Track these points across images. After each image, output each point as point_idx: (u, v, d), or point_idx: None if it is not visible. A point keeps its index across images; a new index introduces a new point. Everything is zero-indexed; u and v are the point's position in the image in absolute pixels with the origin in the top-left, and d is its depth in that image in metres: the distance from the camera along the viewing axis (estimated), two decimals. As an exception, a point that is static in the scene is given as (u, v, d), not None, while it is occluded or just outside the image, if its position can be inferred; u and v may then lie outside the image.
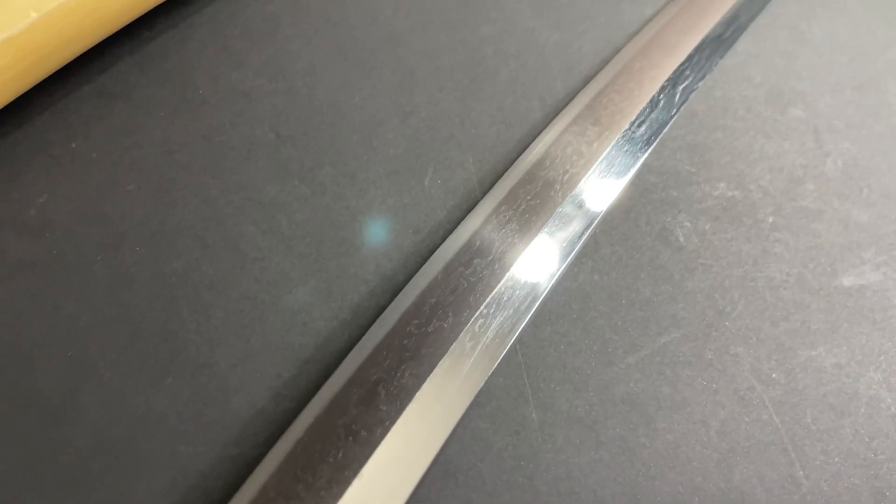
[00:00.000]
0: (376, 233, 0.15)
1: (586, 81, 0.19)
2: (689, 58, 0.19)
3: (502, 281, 0.13)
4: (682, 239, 0.17)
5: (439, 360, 0.12)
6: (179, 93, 0.15)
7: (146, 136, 0.15)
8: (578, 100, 0.17)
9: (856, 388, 0.15)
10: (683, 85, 0.18)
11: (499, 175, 0.16)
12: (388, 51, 0.18)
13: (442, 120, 0.17)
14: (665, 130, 0.18)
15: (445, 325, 0.12)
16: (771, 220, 0.17)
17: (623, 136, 0.17)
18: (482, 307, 0.13)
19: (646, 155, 0.17)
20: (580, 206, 0.15)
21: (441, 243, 0.15)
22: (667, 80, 0.18)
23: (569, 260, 0.15)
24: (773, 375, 0.15)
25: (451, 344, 0.12)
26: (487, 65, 0.18)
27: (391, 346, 0.12)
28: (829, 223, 0.18)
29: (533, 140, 0.17)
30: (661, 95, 0.18)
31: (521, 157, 0.16)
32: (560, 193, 0.15)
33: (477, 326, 0.13)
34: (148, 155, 0.15)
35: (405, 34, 0.18)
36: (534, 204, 0.15)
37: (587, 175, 0.16)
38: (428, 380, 0.12)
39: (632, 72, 0.18)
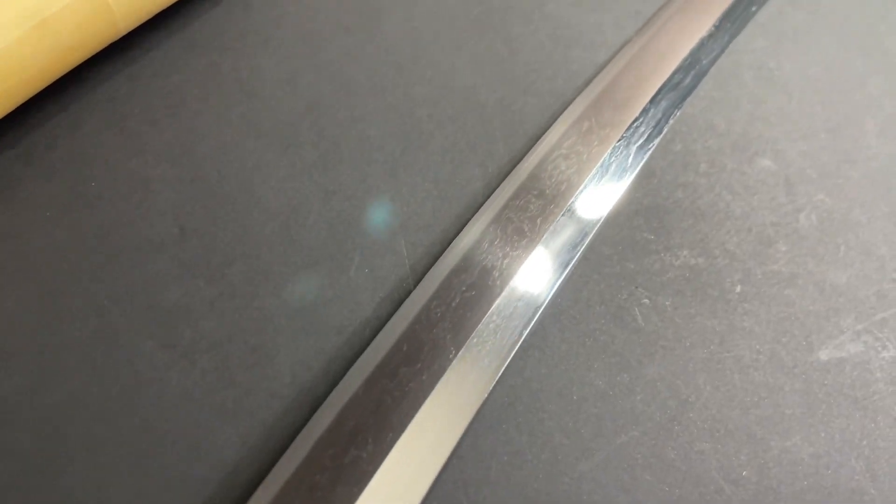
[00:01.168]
0: (293, 336, 0.15)
1: (532, 143, 0.19)
2: (644, 111, 0.19)
3: (432, 395, 0.13)
4: (640, 319, 0.17)
5: (356, 500, 0.12)
6: (69, 186, 0.16)
7: (28, 241, 0.15)
8: (522, 166, 0.18)
9: (836, 480, 0.15)
10: (638, 144, 0.19)
11: (434, 258, 0.17)
12: (308, 122, 0.18)
13: (370, 198, 0.17)
14: (619, 196, 0.18)
15: (364, 455, 0.12)
16: (739, 289, 0.18)
17: (570, 209, 0.17)
18: (410, 427, 0.13)
19: (597, 227, 0.17)
20: (523, 293, 0.16)
21: (368, 344, 0.15)
22: (619, 140, 0.19)
23: (513, 353, 0.15)
24: (744, 473, 0.15)
25: (370, 480, 0.12)
26: (422, 130, 0.19)
27: (301, 484, 0.12)
28: (804, 288, 0.18)
29: (472, 215, 0.17)
30: (613, 158, 0.18)
31: (458, 237, 0.17)
32: (499, 282, 0.15)
33: (402, 454, 0.13)
34: (30, 264, 0.15)
35: (328, 102, 0.19)
36: (469, 296, 0.15)
37: (530, 257, 0.16)
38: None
39: (580, 132, 0.19)
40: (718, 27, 0.22)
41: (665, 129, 0.20)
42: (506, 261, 0.16)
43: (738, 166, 0.20)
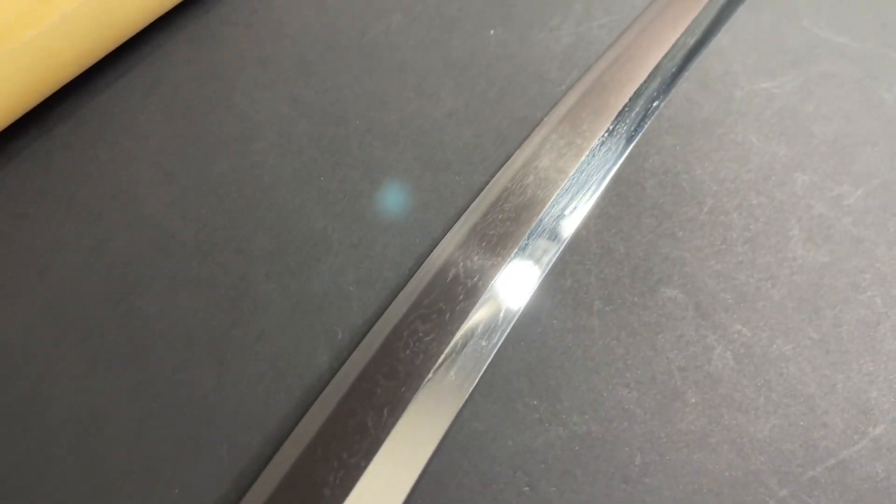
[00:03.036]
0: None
1: (390, 299, 0.20)
2: (521, 249, 0.20)
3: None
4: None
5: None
6: None
7: None
8: (368, 342, 0.19)
9: None
10: (522, 283, 0.20)
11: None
12: (117, 298, 0.19)
13: (189, 394, 0.18)
14: (494, 353, 0.19)
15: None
16: (639, 459, 0.18)
17: (426, 387, 0.18)
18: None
19: (462, 405, 0.18)
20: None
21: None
22: (467, 330, 0.19)
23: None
24: None
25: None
26: (257, 296, 0.19)
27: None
28: (717, 450, 0.19)
29: (315, 399, 0.18)
30: (468, 346, 0.19)
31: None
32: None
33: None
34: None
35: (143, 271, 0.19)
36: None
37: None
38: None
39: (443, 287, 0.19)
40: (613, 130, 0.24)
41: (550, 265, 0.21)
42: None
43: (640, 299, 0.21)
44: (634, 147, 0.24)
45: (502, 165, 0.23)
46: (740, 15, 0.29)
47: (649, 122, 0.25)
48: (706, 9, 0.29)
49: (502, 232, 0.20)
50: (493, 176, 0.23)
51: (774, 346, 0.21)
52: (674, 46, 0.27)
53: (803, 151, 0.25)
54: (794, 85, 0.27)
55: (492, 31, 0.27)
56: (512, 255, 0.20)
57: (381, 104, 0.24)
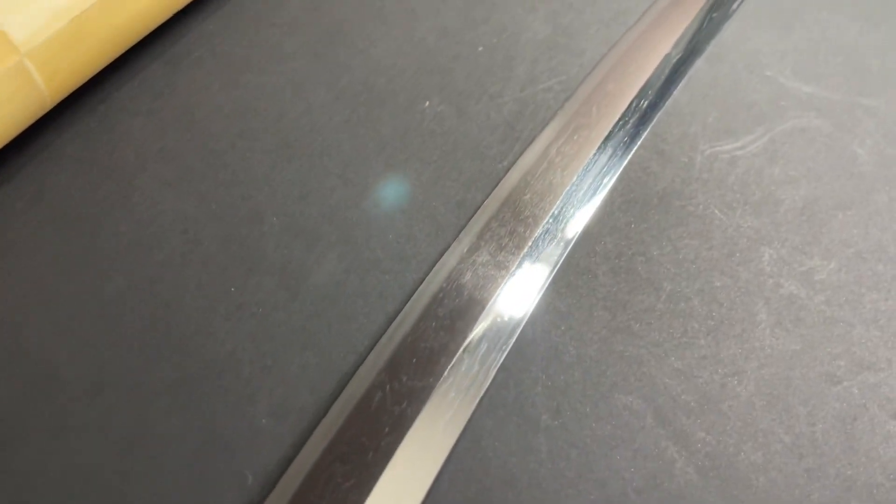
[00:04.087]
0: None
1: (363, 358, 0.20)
2: (447, 375, 0.20)
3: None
4: None
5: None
6: None
7: None
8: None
9: None
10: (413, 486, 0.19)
11: None
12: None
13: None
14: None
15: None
16: None
17: None
18: None
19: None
20: None
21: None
22: (394, 471, 0.18)
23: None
24: None
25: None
26: (157, 437, 0.19)
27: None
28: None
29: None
30: (395, 490, 0.18)
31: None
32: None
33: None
34: None
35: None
36: None
37: None
38: None
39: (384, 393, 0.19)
40: (559, 215, 0.24)
41: (491, 378, 0.21)
42: None
43: (593, 409, 0.21)
44: (584, 229, 0.24)
45: (437, 261, 0.23)
46: (698, 67, 0.30)
47: (601, 201, 0.25)
48: (661, 64, 0.29)
49: (435, 345, 0.21)
50: (427, 273, 0.23)
51: (742, 454, 0.21)
52: (627, 111, 0.27)
53: (770, 221, 0.26)
54: (759, 145, 0.28)
55: (427, 104, 0.27)
56: (446, 373, 0.20)
57: (300, 196, 0.24)
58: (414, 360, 0.20)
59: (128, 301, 0.21)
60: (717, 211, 0.26)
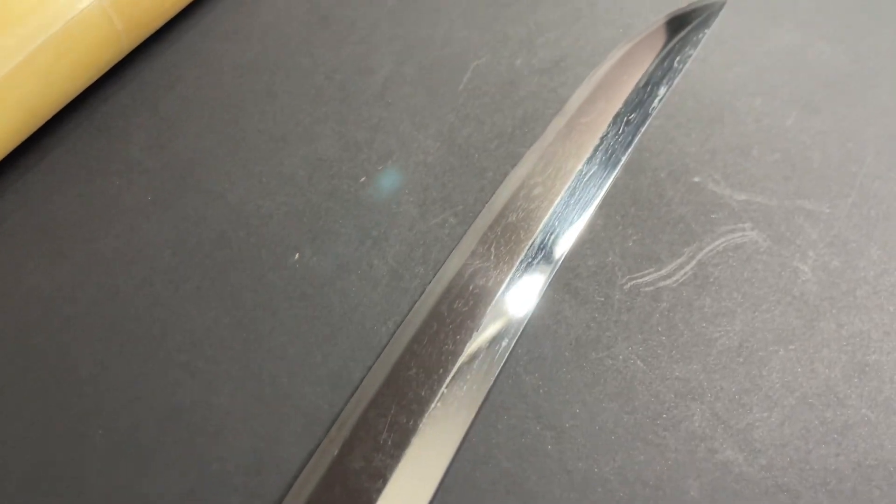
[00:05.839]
0: None
1: None
2: None
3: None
4: None
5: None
6: None
7: None
8: None
9: None
10: None
11: None
12: None
13: None
14: None
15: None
16: None
17: None
18: None
19: None
20: None
21: None
22: None
23: None
24: None
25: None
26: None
27: None
28: None
29: None
30: None
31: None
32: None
33: None
34: None
35: None
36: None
37: None
38: None
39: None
40: (445, 395, 0.24)
41: None
42: None
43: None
44: (485, 401, 0.25)
45: (302, 470, 0.23)
46: (616, 180, 0.31)
47: (499, 369, 0.25)
48: (572, 184, 0.30)
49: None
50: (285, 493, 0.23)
51: None
52: (531, 247, 0.28)
53: (700, 368, 0.26)
54: (687, 271, 0.29)
55: (296, 256, 0.28)
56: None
57: (132, 399, 0.24)
58: None
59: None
60: (639, 362, 0.27)
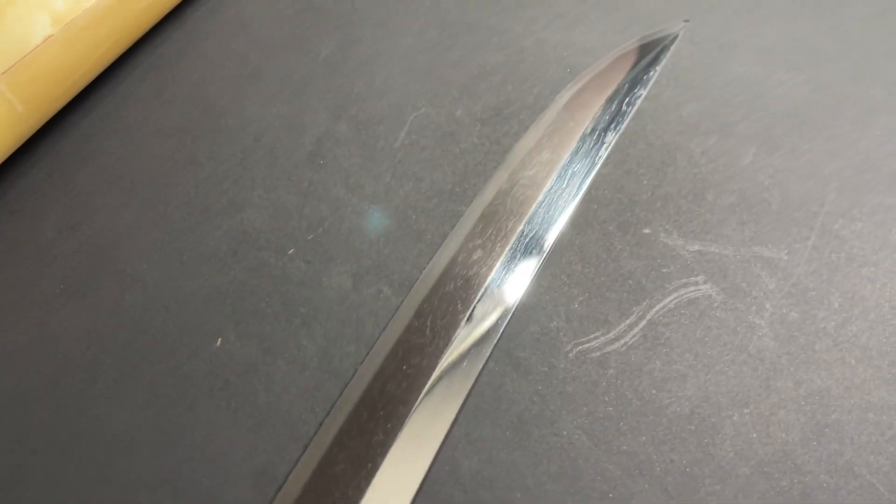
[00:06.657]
0: None
1: None
2: None
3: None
4: None
5: None
6: None
7: None
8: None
9: None
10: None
11: None
12: None
13: None
14: None
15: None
16: None
17: None
18: None
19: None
20: None
21: None
22: None
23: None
24: None
25: None
26: None
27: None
28: None
29: None
30: None
31: None
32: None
33: None
34: None
35: None
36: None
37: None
38: None
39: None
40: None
41: None
42: None
43: None
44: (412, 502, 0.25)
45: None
46: (562, 238, 0.32)
47: (433, 456, 0.26)
48: (514, 246, 0.31)
49: None
50: None
51: None
52: (470, 317, 0.29)
53: (649, 440, 0.27)
54: (636, 332, 0.30)
55: (218, 342, 0.29)
56: None
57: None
58: None
59: None
60: (584, 437, 0.27)
